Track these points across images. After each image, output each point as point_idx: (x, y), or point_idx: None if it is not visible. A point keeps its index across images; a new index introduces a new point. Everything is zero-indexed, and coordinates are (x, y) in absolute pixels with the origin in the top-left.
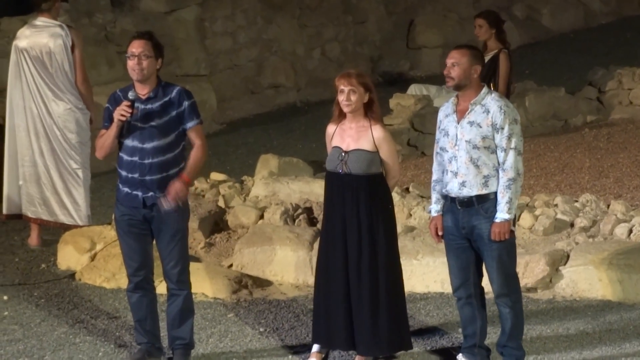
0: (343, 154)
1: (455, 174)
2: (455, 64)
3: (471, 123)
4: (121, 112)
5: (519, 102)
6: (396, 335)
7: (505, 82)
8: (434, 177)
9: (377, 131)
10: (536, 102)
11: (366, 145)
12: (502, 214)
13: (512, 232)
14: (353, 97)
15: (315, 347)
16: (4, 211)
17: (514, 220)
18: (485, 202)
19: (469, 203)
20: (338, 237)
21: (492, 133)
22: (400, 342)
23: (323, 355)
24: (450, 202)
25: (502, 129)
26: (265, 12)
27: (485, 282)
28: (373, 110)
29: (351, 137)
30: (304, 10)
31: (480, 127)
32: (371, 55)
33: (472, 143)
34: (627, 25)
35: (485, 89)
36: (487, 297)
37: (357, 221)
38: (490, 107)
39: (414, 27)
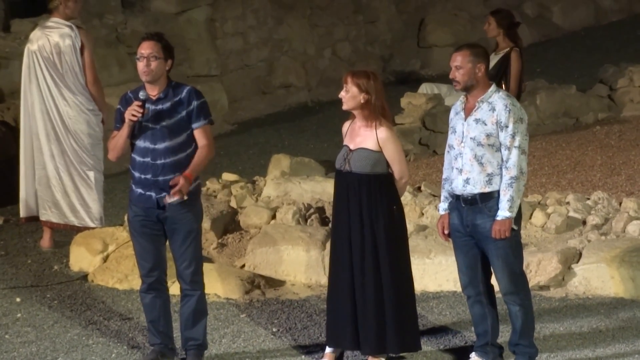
0: (348, 153)
1: (460, 171)
2: (458, 67)
3: (477, 120)
4: (132, 112)
5: (530, 100)
6: (400, 335)
7: (516, 81)
8: (444, 175)
9: (381, 132)
10: (547, 100)
11: (370, 144)
12: (503, 212)
13: (514, 230)
14: (345, 95)
15: (329, 348)
16: (22, 214)
17: (520, 219)
18: (488, 201)
19: (472, 201)
20: (344, 235)
21: (496, 131)
22: (404, 343)
23: (336, 356)
24: (456, 200)
25: (507, 127)
26: (276, 12)
27: (494, 281)
28: (370, 110)
29: (358, 136)
30: (314, 10)
31: (485, 124)
32: (382, 54)
33: (476, 140)
34: (638, 22)
35: (493, 87)
36: (497, 295)
37: (359, 220)
38: (496, 105)
39: (425, 26)
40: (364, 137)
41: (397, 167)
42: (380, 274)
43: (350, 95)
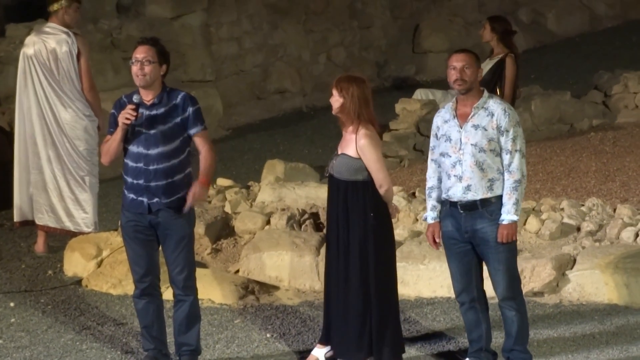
0: (334, 157)
1: (460, 178)
2: (467, 66)
3: (476, 126)
4: (126, 116)
5: (524, 107)
6: (366, 341)
7: (511, 87)
8: (429, 184)
9: (359, 138)
10: (542, 106)
11: (351, 151)
12: (509, 216)
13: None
14: (331, 100)
15: (319, 346)
16: (16, 218)
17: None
18: (489, 206)
19: (472, 207)
20: (329, 238)
21: (497, 136)
22: (368, 349)
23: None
24: (450, 207)
25: (508, 131)
26: (271, 17)
27: (487, 286)
28: (345, 115)
29: (345, 140)
30: (309, 16)
31: (486, 130)
32: (377, 60)
33: (478, 146)
34: (633, 28)
35: (486, 93)
36: (489, 300)
37: (336, 223)
38: (494, 110)
39: (420, 31)
40: (348, 142)
41: (375, 176)
42: (348, 278)
43: (333, 99)
